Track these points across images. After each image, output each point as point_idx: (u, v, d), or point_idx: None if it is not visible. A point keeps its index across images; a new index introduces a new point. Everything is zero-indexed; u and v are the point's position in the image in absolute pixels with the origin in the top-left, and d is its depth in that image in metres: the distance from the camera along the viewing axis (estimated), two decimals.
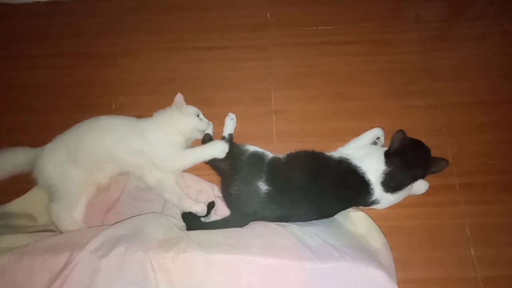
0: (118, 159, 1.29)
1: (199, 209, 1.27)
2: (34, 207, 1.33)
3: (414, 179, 1.26)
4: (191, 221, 1.25)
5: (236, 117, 1.46)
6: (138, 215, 1.20)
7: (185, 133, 1.35)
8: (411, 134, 1.35)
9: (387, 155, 1.25)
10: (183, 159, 1.31)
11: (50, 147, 1.32)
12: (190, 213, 1.27)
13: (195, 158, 1.31)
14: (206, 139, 1.39)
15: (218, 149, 1.29)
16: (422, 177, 1.28)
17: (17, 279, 1.02)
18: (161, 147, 1.30)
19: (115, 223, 1.16)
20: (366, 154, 1.28)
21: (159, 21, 1.74)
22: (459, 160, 1.40)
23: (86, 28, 1.74)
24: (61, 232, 1.23)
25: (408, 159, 1.23)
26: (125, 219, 1.19)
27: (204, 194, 1.32)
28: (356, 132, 1.41)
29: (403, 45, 1.65)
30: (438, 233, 1.30)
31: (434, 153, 1.28)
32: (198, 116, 1.38)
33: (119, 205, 1.31)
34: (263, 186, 1.19)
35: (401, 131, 1.27)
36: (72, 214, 1.27)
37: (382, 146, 1.39)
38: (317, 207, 1.21)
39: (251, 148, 1.31)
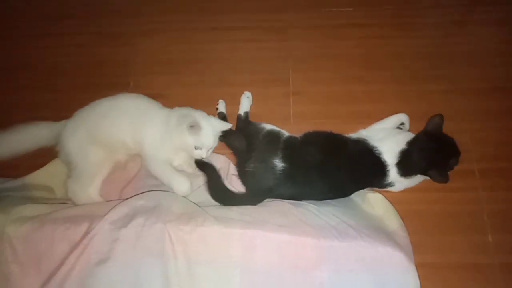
0: (131, 145, 1.30)
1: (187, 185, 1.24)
2: (52, 180, 1.34)
3: (424, 173, 1.23)
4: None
5: (252, 95, 1.46)
6: (156, 190, 1.21)
7: (178, 147, 1.27)
8: None
9: (417, 135, 1.24)
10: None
11: (72, 124, 1.32)
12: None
13: (159, 171, 1.27)
14: (220, 117, 1.40)
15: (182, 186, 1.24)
16: (432, 176, 1.22)
17: (38, 247, 1.04)
18: (151, 140, 1.27)
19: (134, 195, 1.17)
20: (386, 136, 1.27)
21: (178, 1, 1.74)
22: (479, 146, 1.38)
23: (106, 8, 1.75)
24: None
25: (430, 152, 1.21)
26: (143, 192, 1.19)
27: (221, 171, 1.32)
28: (374, 116, 1.39)
29: (422, 29, 1.63)
30: (455, 218, 1.28)
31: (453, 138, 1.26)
32: (200, 148, 1.25)
33: (137, 181, 1.31)
34: (279, 163, 1.19)
35: (440, 115, 1.26)
36: (89, 192, 1.29)
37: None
38: (332, 186, 1.21)
39: (268, 126, 1.31)
